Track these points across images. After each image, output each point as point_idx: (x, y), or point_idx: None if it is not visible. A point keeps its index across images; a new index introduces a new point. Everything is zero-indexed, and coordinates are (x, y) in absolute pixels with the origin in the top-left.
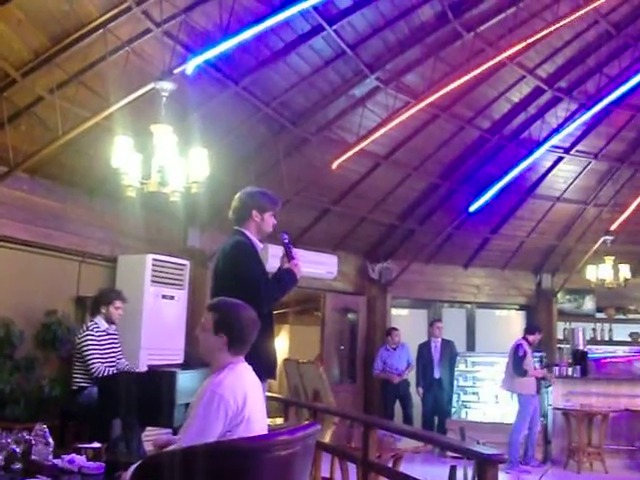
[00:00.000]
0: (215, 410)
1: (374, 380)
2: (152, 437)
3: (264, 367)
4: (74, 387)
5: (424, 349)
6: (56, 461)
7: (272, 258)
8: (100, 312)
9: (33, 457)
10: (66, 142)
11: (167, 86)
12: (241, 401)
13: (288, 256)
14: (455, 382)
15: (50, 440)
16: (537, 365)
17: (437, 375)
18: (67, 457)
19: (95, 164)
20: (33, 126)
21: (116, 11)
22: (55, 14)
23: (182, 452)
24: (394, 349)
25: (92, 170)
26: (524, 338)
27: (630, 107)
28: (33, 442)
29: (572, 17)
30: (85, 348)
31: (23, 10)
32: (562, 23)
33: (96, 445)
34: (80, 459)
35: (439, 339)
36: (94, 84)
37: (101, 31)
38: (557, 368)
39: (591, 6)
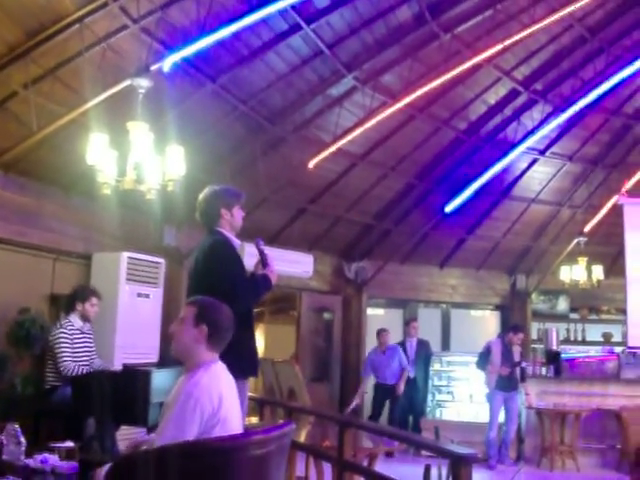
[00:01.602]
0: (191, 412)
1: (350, 379)
2: (126, 436)
3: (247, 365)
4: (47, 386)
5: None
6: (28, 461)
7: (248, 256)
8: (75, 309)
9: (4, 457)
10: (41, 138)
11: (144, 83)
12: (217, 402)
13: (263, 263)
14: (430, 381)
15: (22, 439)
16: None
17: (412, 374)
18: (39, 457)
19: (70, 161)
20: (7, 122)
21: (93, 6)
22: (31, 8)
23: (156, 452)
24: (383, 352)
25: (67, 167)
26: (500, 337)
27: (604, 110)
28: (4, 442)
29: (548, 20)
30: (57, 346)
31: None
32: (538, 26)
33: (69, 444)
34: (53, 459)
35: (414, 339)
36: (70, 80)
37: (77, 26)
38: (531, 368)
39: (566, 10)
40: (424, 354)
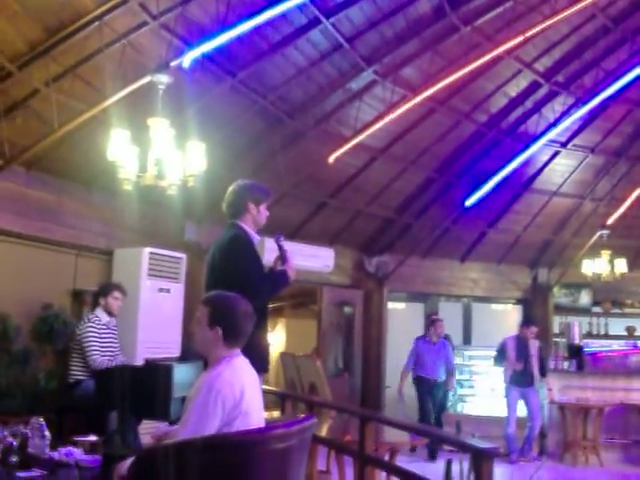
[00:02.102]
0: (213, 404)
1: (371, 373)
2: (149, 430)
3: (257, 360)
4: (71, 380)
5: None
6: (53, 454)
7: (268, 252)
8: (99, 304)
9: (30, 450)
10: (62, 135)
11: (164, 79)
12: (238, 395)
13: (282, 259)
14: None
15: (47, 433)
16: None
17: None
18: (64, 450)
19: (91, 157)
20: (29, 119)
21: (112, 3)
22: (51, 6)
23: (179, 445)
24: (434, 344)
25: (88, 163)
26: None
27: (627, 101)
28: (29, 435)
29: (570, 11)
30: (85, 339)
31: (19, 2)
32: (560, 17)
33: (93, 438)
34: (77, 452)
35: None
36: (90, 77)
37: (97, 24)
38: (553, 362)
39: (588, 0)
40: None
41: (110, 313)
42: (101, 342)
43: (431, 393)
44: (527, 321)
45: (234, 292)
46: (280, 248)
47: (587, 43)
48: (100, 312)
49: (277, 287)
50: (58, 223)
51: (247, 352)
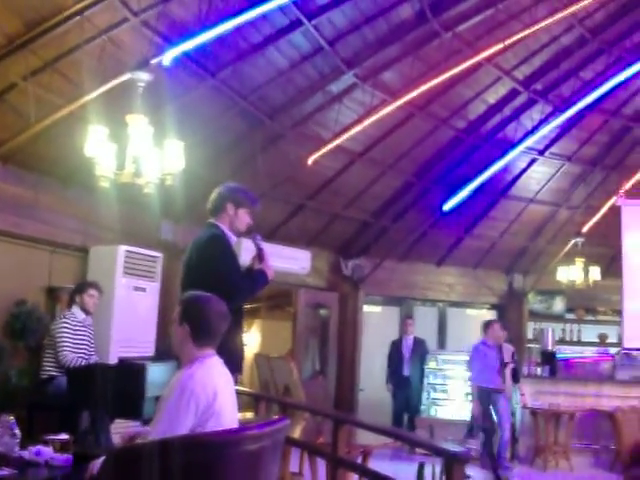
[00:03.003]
0: (185, 404)
1: (345, 376)
2: (121, 429)
3: (231, 361)
4: (44, 376)
5: (396, 346)
6: (23, 453)
7: (245, 252)
8: (75, 302)
9: None
10: (39, 130)
11: (143, 76)
12: (211, 395)
13: (260, 258)
14: (425, 380)
15: (17, 431)
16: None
17: (406, 373)
18: (34, 449)
19: (68, 153)
20: (5, 113)
21: None
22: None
23: (151, 445)
24: (492, 349)
25: (65, 159)
26: None
27: (603, 112)
28: None
29: (549, 21)
30: (58, 336)
31: None
32: (539, 26)
33: (64, 437)
34: (47, 451)
35: (411, 337)
36: (69, 72)
37: (78, 18)
38: (526, 367)
39: (568, 11)
40: (420, 352)
41: (86, 311)
42: (74, 339)
43: (491, 403)
44: (495, 321)
45: (212, 292)
46: (257, 247)
47: (565, 53)
48: (76, 309)
49: (256, 286)
50: (33, 219)
51: (221, 352)
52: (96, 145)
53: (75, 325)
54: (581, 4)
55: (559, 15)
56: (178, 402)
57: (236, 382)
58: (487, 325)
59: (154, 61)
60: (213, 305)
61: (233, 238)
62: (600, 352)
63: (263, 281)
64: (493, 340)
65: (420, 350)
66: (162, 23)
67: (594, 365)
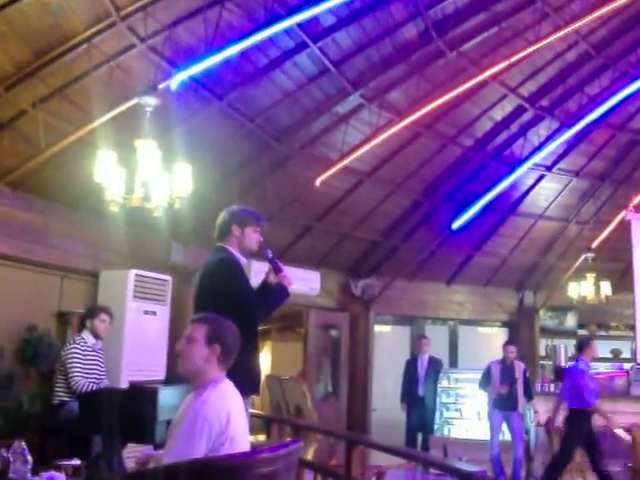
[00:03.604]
0: (199, 431)
1: (357, 396)
2: (133, 454)
3: (249, 383)
4: (55, 401)
5: (410, 365)
6: (35, 479)
7: (255, 274)
8: (86, 326)
9: (11, 475)
10: (49, 156)
11: (151, 101)
12: (225, 420)
13: (275, 270)
14: (438, 399)
15: (29, 457)
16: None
17: (421, 392)
18: (46, 475)
19: (78, 179)
20: (15, 140)
21: (101, 26)
22: (39, 28)
23: (164, 469)
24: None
25: (75, 185)
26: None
27: (610, 126)
28: (11, 459)
29: (553, 37)
30: (69, 361)
31: (7, 23)
32: (543, 43)
33: (76, 462)
34: (59, 477)
35: (426, 356)
36: (78, 98)
37: (85, 46)
38: (539, 385)
39: (571, 27)
40: (435, 372)
41: (97, 336)
42: (84, 364)
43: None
44: (506, 342)
45: (228, 314)
46: (270, 261)
47: (571, 69)
48: (86, 334)
49: (276, 301)
50: (43, 244)
51: (239, 373)
52: (105, 170)
53: (85, 350)
54: (584, 20)
55: (563, 32)
56: (191, 429)
57: (249, 404)
58: (585, 345)
59: (161, 86)
60: (233, 326)
61: (243, 260)
62: (614, 368)
63: (283, 294)
64: (590, 359)
65: (435, 370)
66: (169, 48)
67: (608, 381)
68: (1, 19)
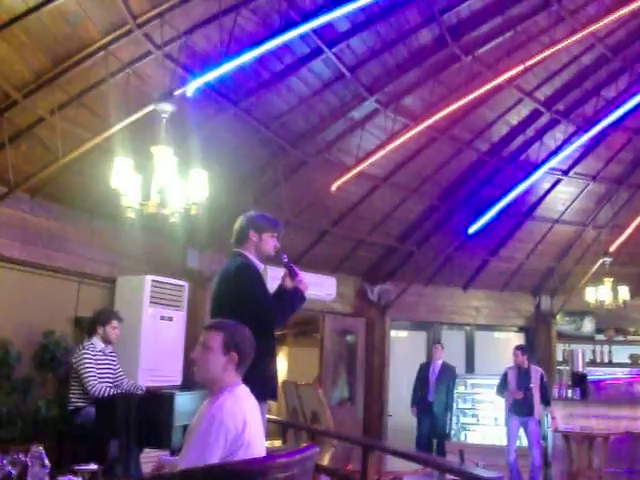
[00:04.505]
0: (215, 435)
1: (373, 402)
2: (150, 459)
3: (266, 388)
4: (71, 407)
5: (423, 370)
6: None
7: (271, 280)
8: (97, 333)
9: (29, 479)
10: (66, 163)
11: (167, 108)
12: (241, 426)
13: (291, 275)
14: (454, 404)
15: (46, 461)
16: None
17: (430, 398)
18: (63, 479)
19: (95, 185)
20: (33, 147)
21: (117, 33)
22: (57, 36)
23: (181, 475)
24: None
25: (92, 191)
26: None
27: (627, 129)
28: (29, 464)
29: (569, 40)
30: (82, 367)
31: (26, 32)
32: (559, 46)
33: (93, 467)
34: None
35: (439, 362)
36: (95, 105)
37: (102, 53)
38: (557, 390)
39: (587, 30)
40: (447, 378)
41: (107, 341)
42: (98, 369)
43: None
44: (516, 347)
45: (247, 319)
46: (286, 265)
47: (587, 72)
48: (96, 340)
49: (294, 306)
50: (61, 250)
51: (257, 378)
52: (122, 176)
53: (96, 355)
54: (601, 23)
55: (579, 35)
56: (207, 434)
57: (266, 410)
58: None
59: (177, 92)
60: (249, 334)
61: (260, 265)
62: (632, 373)
63: (300, 298)
64: None
65: (447, 376)
66: (185, 55)
67: (627, 386)
68: (20, 28)
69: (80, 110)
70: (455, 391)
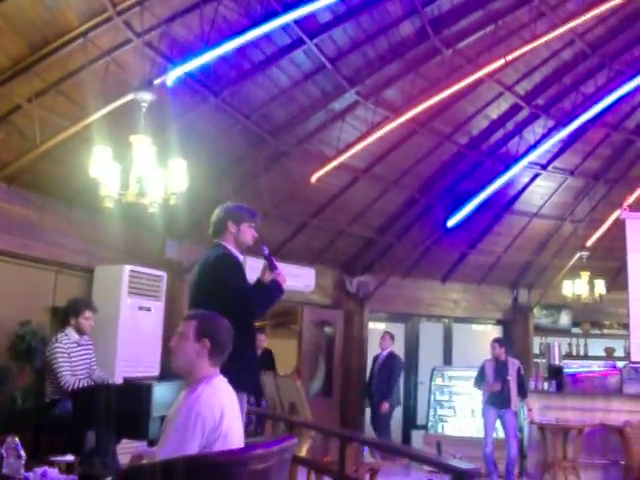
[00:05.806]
0: (192, 427)
1: (351, 393)
2: (127, 450)
3: (245, 379)
4: (47, 400)
5: (373, 361)
6: (28, 475)
7: (250, 270)
8: (70, 324)
9: (4, 471)
10: (44, 151)
11: (147, 97)
12: (218, 416)
13: (270, 267)
14: (432, 396)
15: (22, 453)
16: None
17: (373, 388)
18: (39, 470)
19: (73, 174)
20: (11, 135)
21: (97, 20)
22: (35, 22)
23: (158, 465)
24: None
25: (70, 180)
26: None
27: (605, 125)
28: (4, 455)
29: (549, 36)
30: (54, 361)
31: (3, 17)
32: (539, 42)
33: (69, 458)
34: (53, 472)
35: (384, 352)
36: (73, 93)
37: (81, 40)
38: (533, 382)
39: (567, 26)
40: (390, 368)
41: (81, 332)
42: (70, 362)
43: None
44: (493, 340)
45: (227, 309)
46: (266, 258)
47: (566, 67)
48: (70, 331)
49: (273, 298)
50: (38, 239)
51: (235, 370)
52: (100, 166)
53: (69, 347)
54: (580, 19)
55: (559, 30)
56: (185, 424)
57: (247, 401)
58: None
59: (157, 81)
60: (224, 322)
61: (240, 256)
62: (607, 366)
63: (278, 290)
64: None
65: (390, 366)
66: (165, 44)
67: (601, 379)
68: None
69: (58, 98)
70: (433, 382)
